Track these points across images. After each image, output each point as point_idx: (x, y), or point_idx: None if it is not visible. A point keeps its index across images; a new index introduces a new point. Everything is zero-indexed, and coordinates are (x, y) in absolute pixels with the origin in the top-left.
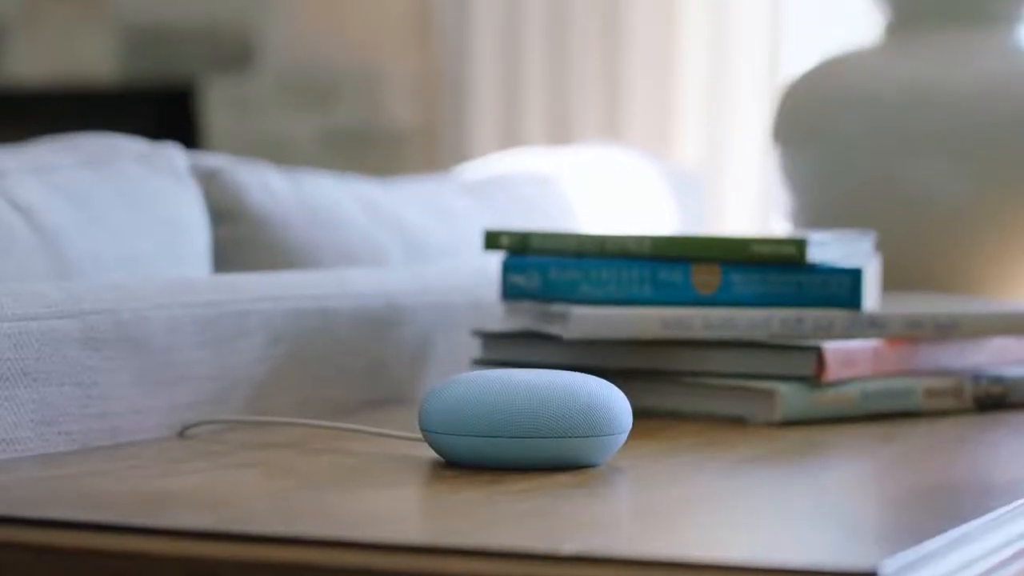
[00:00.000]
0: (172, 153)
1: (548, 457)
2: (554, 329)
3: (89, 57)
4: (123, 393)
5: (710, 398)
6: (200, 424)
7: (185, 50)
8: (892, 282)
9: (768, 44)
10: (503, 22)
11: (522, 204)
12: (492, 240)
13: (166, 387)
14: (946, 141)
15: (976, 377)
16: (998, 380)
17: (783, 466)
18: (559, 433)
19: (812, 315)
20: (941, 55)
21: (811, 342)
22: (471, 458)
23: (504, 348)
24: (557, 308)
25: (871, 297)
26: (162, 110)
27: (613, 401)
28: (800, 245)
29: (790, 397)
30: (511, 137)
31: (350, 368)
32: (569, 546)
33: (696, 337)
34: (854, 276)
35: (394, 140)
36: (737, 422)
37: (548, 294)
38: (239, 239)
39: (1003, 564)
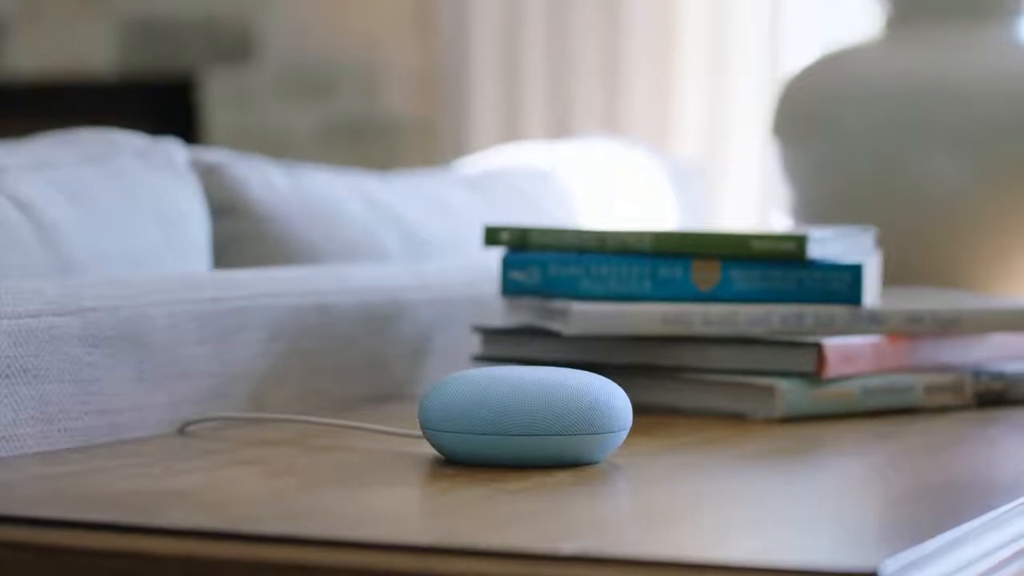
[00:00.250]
0: (172, 148)
1: (548, 455)
2: (554, 325)
3: (89, 50)
4: (123, 390)
5: (710, 394)
6: (200, 421)
7: (184, 43)
8: (892, 277)
9: (768, 38)
10: (503, 15)
11: (522, 198)
12: (492, 236)
13: (166, 383)
14: (947, 135)
15: (976, 373)
16: (998, 376)
17: (783, 463)
18: (559, 431)
19: (812, 311)
20: (942, 49)
21: (811, 338)
22: (471, 456)
23: (504, 344)
24: (557, 304)
25: (871, 293)
26: (161, 103)
27: (613, 399)
28: (800, 241)
29: (790, 393)
30: (511, 130)
31: (350, 364)
32: (569, 546)
33: (696, 333)
34: (854, 272)
35: (394, 133)
36: (737, 418)
37: (548, 290)
38: (239, 234)
39: (1004, 563)
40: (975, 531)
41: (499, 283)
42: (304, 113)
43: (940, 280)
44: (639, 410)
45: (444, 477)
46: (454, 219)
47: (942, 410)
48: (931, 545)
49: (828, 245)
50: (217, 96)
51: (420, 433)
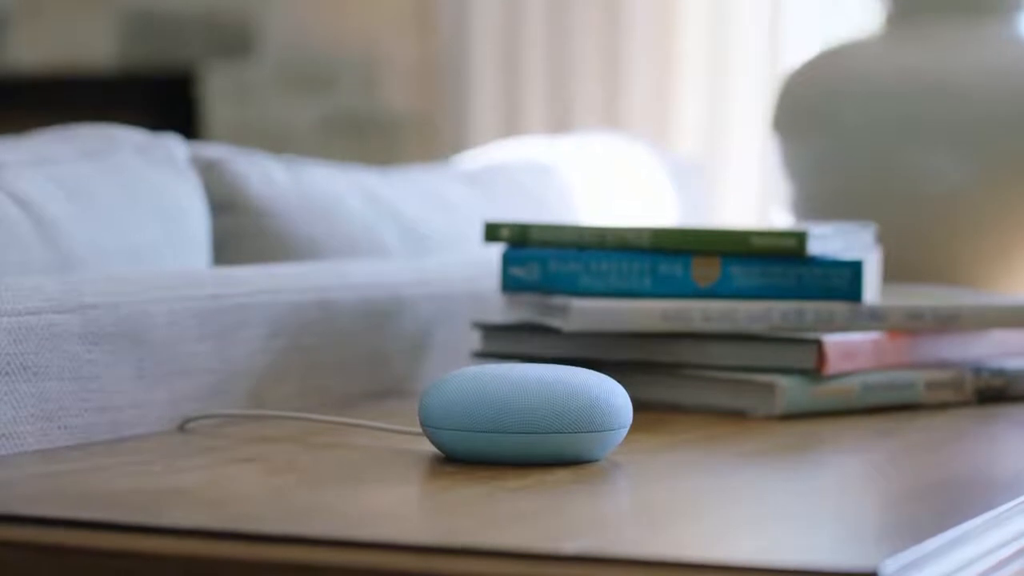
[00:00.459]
0: (172, 144)
1: (548, 453)
2: (554, 321)
3: (89, 44)
4: (123, 387)
5: (710, 391)
6: (200, 418)
7: (184, 37)
8: (892, 273)
9: (768, 34)
10: (503, 9)
11: (522, 193)
12: (492, 232)
13: (166, 380)
14: (947, 131)
15: (977, 369)
16: (999, 372)
17: (783, 461)
18: (559, 429)
19: (812, 307)
20: (942, 45)
21: (811, 335)
22: (471, 453)
23: (504, 340)
24: (557, 300)
25: (872, 289)
26: (161, 97)
27: (613, 396)
28: (800, 238)
29: (790, 390)
30: (511, 125)
31: (350, 360)
32: (570, 546)
33: (696, 330)
34: (854, 268)
35: (393, 127)
36: (737, 415)
37: (548, 286)
38: (239, 230)
39: (1004, 562)
40: (975, 530)
41: (499, 279)
42: (304, 108)
43: (940, 276)
44: (639, 407)
45: (444, 475)
46: (454, 214)
47: (942, 407)
48: (931, 544)
49: (828, 241)
50: (217, 90)
51: (420, 430)
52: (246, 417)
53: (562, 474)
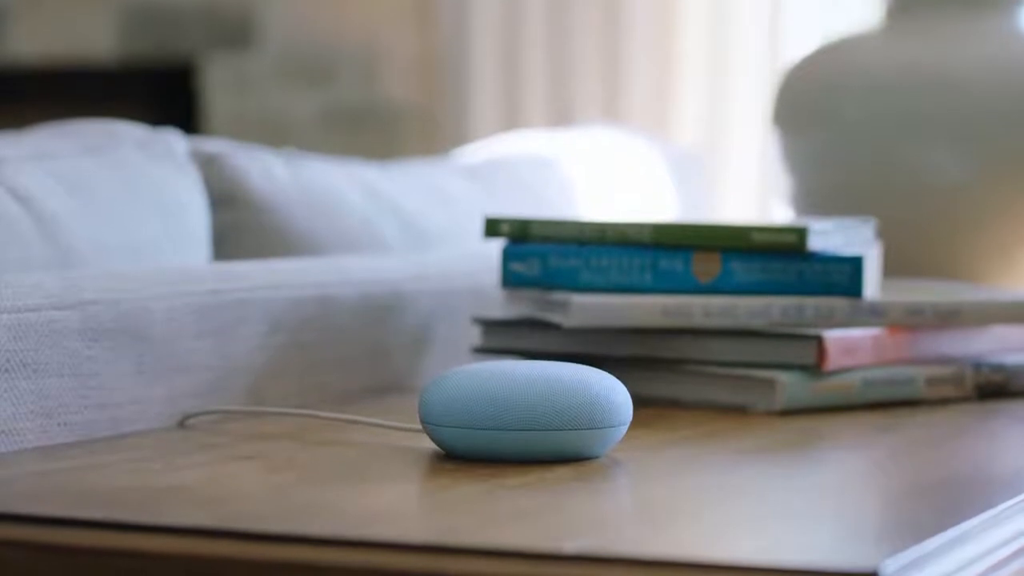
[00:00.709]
0: (171, 139)
1: (548, 450)
2: (554, 317)
3: (89, 36)
4: (123, 383)
5: (710, 386)
6: (200, 414)
7: (184, 29)
8: (892, 267)
9: (768, 27)
10: (503, 1)
11: (522, 187)
12: (492, 227)
13: (166, 377)
14: (947, 125)
15: (977, 365)
16: (999, 368)
17: (784, 458)
18: (560, 426)
19: (813, 303)
20: (942, 39)
21: (812, 330)
22: (471, 450)
23: (504, 336)
24: (557, 296)
25: (872, 285)
26: (161, 89)
27: (614, 393)
28: (801, 233)
29: (791, 386)
30: (511, 117)
31: (350, 356)
32: (570, 545)
33: (696, 325)
34: (855, 264)
35: (394, 120)
36: (738, 411)
37: (548, 282)
38: (239, 224)
39: (1005, 562)
40: (976, 529)
41: (499, 275)
42: (304, 99)
43: (940, 271)
44: (639, 402)
45: (444, 472)
46: (454, 209)
47: (942, 402)
48: (931, 544)
49: (828, 237)
50: (217, 82)
51: (420, 427)
52: (245, 413)
53: (562, 471)
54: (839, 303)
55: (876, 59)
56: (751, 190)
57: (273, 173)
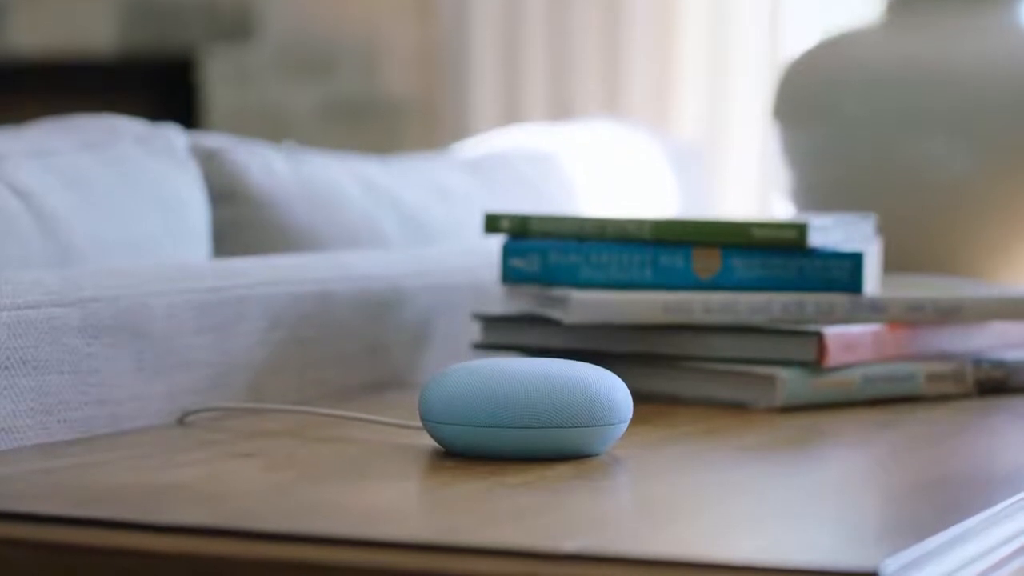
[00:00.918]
0: (171, 134)
1: (549, 447)
2: (554, 313)
3: (89, 28)
4: (123, 380)
5: (710, 383)
6: (199, 411)
7: (185, 22)
8: (892, 264)
9: (769, 22)
10: None
11: (522, 182)
12: (492, 223)
13: (166, 373)
14: (947, 120)
15: (977, 361)
16: (999, 364)
17: (784, 455)
18: (560, 423)
19: (813, 299)
20: (942, 34)
21: (812, 327)
22: (471, 448)
23: (504, 332)
24: (557, 292)
25: (872, 281)
26: (161, 82)
27: (614, 390)
28: (801, 229)
29: (791, 382)
30: (511, 111)
31: (350, 352)
32: (570, 544)
33: (697, 322)
34: (855, 260)
35: (394, 112)
36: (738, 407)
37: (548, 278)
38: (239, 220)
39: (1005, 561)
40: (976, 528)
41: (499, 271)
42: (304, 93)
43: (941, 266)
44: (639, 399)
45: (444, 470)
46: (454, 203)
47: (943, 398)
48: (932, 543)
49: (829, 233)
50: (217, 75)
51: (420, 424)
52: (245, 410)
53: (562, 469)
54: (839, 299)
55: (876, 54)
56: (751, 185)
57: (273, 168)
